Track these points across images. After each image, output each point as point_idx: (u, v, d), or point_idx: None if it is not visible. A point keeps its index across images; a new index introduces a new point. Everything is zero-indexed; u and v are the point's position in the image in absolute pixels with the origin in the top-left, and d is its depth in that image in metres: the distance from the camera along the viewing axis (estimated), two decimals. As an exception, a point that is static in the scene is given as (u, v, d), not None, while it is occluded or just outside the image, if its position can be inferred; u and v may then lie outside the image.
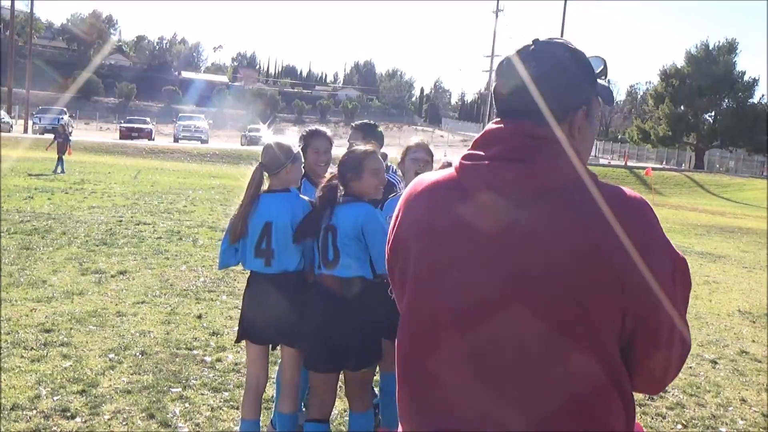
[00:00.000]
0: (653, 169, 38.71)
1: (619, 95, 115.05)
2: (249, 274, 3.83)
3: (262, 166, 3.76)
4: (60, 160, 21.69)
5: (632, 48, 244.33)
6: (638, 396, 5.45)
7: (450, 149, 65.05)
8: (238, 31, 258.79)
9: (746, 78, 58.96)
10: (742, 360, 6.69)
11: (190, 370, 5.15)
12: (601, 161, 54.99)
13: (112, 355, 5.34)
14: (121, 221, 12.13)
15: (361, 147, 3.63)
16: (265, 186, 3.79)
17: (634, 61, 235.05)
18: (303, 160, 3.94)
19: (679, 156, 62.63)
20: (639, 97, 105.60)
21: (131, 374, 5.00)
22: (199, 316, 6.64)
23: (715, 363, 6.54)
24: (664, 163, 59.91)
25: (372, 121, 4.98)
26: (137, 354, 5.42)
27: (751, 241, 17.91)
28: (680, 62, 60.45)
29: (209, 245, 10.53)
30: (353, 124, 4.91)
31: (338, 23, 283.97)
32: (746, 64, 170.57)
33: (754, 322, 8.43)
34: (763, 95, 67.48)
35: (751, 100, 58.90)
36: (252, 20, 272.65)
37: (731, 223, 22.98)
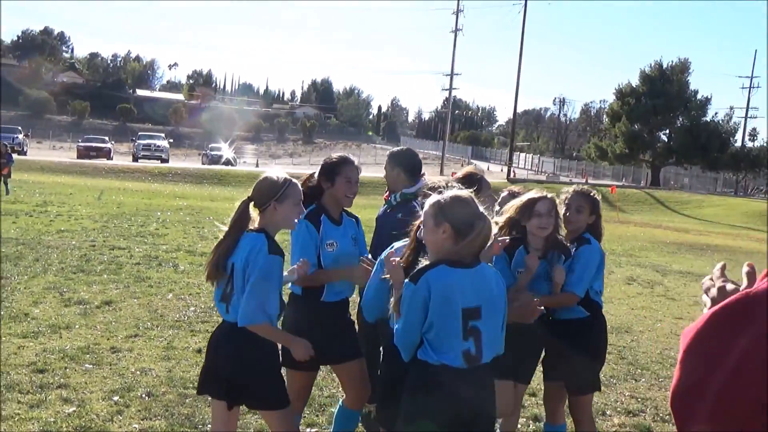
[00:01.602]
0: (616, 186, 39.13)
1: (575, 113, 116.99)
2: None
3: (249, 199, 3.43)
4: (4, 181, 20.73)
5: (586, 67, 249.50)
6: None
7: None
8: (194, 48, 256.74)
9: (699, 97, 60.34)
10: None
11: (204, 413, 4.78)
12: (562, 179, 55.55)
13: (116, 398, 4.95)
14: (94, 246, 11.62)
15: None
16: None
17: (589, 80, 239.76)
18: (300, 197, 3.47)
19: (635, 173, 63.65)
20: (593, 115, 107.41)
21: (141, 419, 4.63)
22: (199, 351, 6.26)
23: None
24: (623, 180, 60.79)
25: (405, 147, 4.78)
26: (143, 396, 5.04)
27: (723, 259, 18.01)
28: (635, 81, 61.59)
29: (191, 271, 10.11)
30: (392, 152, 4.65)
31: (296, 40, 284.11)
32: (699, 83, 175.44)
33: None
34: (716, 113, 68.88)
35: (704, 119, 60.20)
36: (208, 37, 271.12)
37: (699, 241, 23.22)
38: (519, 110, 69.96)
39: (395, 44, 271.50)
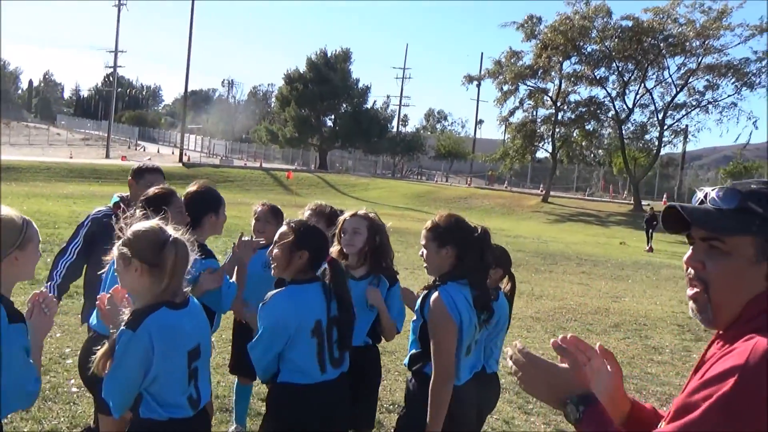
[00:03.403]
0: (292, 171, 40.26)
1: (243, 96, 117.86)
2: None
3: None
4: None
5: (254, 50, 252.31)
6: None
7: (72, 148, 60.23)
8: None
9: (360, 85, 64.77)
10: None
11: None
12: (236, 163, 55.66)
13: None
14: None
15: None
16: None
17: (257, 63, 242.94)
18: (38, 237, 2.59)
19: (305, 156, 66.34)
20: (262, 98, 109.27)
21: None
22: None
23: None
24: (294, 164, 62.85)
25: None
26: None
27: (395, 241, 19.43)
28: (302, 67, 63.97)
29: None
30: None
31: None
32: (360, 72, 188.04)
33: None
34: (375, 101, 74.43)
35: (365, 106, 64.80)
36: None
37: (373, 224, 24.81)
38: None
39: (49, 14, 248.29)
